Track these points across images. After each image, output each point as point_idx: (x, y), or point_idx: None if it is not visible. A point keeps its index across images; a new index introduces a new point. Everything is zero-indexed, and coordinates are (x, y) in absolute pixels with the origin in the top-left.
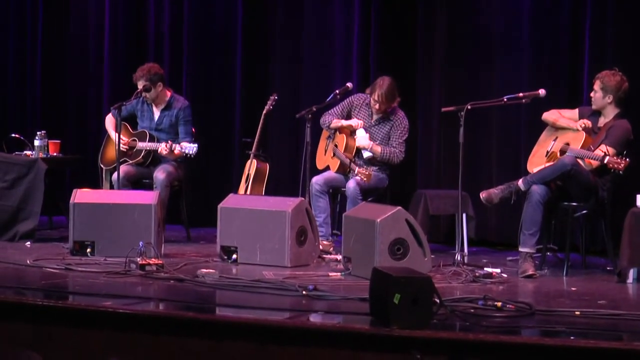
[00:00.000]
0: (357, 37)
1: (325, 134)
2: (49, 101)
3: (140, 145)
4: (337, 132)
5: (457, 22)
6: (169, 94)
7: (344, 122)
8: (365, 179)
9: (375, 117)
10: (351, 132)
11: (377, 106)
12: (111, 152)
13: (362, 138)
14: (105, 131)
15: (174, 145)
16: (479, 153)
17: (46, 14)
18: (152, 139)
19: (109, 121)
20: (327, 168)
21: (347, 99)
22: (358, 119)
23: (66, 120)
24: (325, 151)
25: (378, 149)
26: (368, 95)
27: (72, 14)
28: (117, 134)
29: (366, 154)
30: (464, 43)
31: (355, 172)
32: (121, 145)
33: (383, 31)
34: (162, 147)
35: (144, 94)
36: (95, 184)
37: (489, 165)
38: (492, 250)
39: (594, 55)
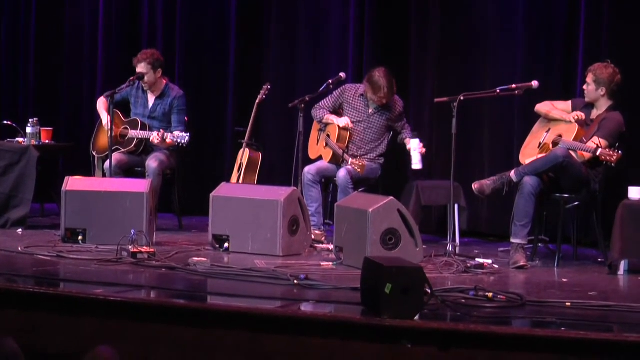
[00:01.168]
0: (351, 26)
1: (316, 125)
2: (42, 89)
3: (133, 133)
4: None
5: (450, 12)
6: (164, 82)
7: (335, 120)
8: (358, 169)
9: (372, 107)
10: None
11: (384, 101)
12: (103, 140)
13: (416, 155)
14: (98, 117)
15: (166, 134)
16: (471, 144)
17: (39, 2)
18: (144, 127)
19: (101, 103)
20: (320, 158)
21: (338, 90)
22: (352, 109)
23: (59, 108)
24: (318, 141)
25: (365, 163)
26: (362, 86)
27: (66, 2)
28: (109, 123)
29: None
30: (458, 34)
31: (349, 162)
32: (112, 136)
33: (377, 21)
34: (154, 136)
35: (139, 81)
36: (88, 171)
37: (482, 157)
38: (484, 241)
39: (588, 48)
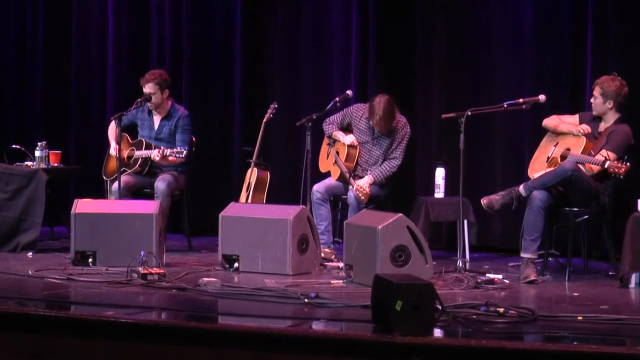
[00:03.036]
0: (355, 43)
1: (326, 139)
2: (51, 111)
3: (137, 153)
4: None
5: (456, 27)
6: (169, 103)
7: (341, 137)
8: (362, 197)
9: (377, 130)
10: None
11: (377, 128)
12: (112, 164)
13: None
14: (108, 141)
15: (166, 150)
16: (481, 159)
17: (47, 22)
18: (148, 147)
19: (111, 130)
20: (329, 173)
21: (347, 110)
22: (358, 130)
23: (69, 131)
24: (328, 155)
25: (372, 179)
26: (366, 107)
27: (74, 23)
28: (118, 143)
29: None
30: (464, 48)
31: (354, 187)
32: (120, 158)
33: (381, 37)
34: (155, 153)
35: (146, 103)
36: (99, 194)
37: (492, 172)
38: (495, 256)
39: (595, 61)
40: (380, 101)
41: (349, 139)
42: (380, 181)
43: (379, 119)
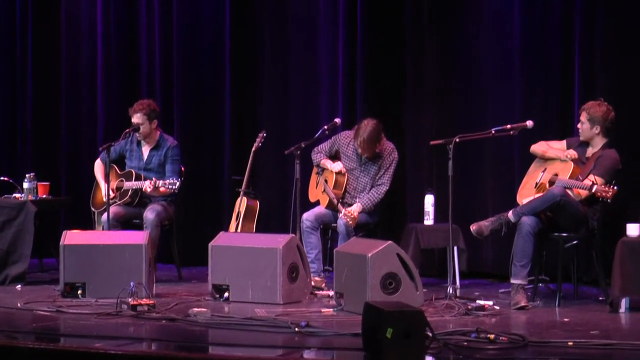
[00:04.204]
0: (342, 71)
1: (315, 168)
2: (40, 143)
3: (127, 184)
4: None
5: (446, 53)
6: (158, 133)
7: (329, 165)
8: (350, 222)
9: (360, 152)
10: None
11: (360, 151)
12: (100, 195)
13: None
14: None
15: (157, 182)
16: (470, 185)
17: (36, 54)
18: (138, 178)
19: (97, 167)
20: (318, 202)
21: (335, 137)
22: (346, 157)
23: (59, 162)
24: (317, 184)
25: (360, 207)
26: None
27: (63, 53)
28: (105, 175)
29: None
30: (454, 74)
31: (342, 213)
32: (109, 188)
33: (369, 64)
34: (147, 185)
35: (134, 134)
36: (90, 224)
37: (482, 198)
38: (485, 282)
39: (583, 87)
40: (367, 124)
41: (337, 166)
42: (369, 209)
43: (363, 140)
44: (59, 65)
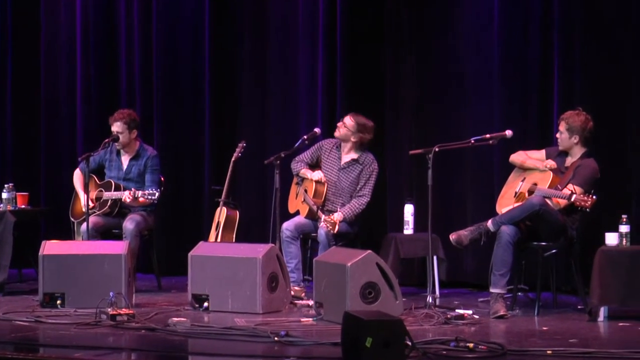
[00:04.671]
0: (322, 82)
1: (295, 179)
2: (20, 153)
3: (107, 195)
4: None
5: (425, 64)
6: (138, 143)
7: (309, 174)
8: (330, 227)
9: (344, 160)
10: (317, 180)
11: (341, 130)
12: (80, 205)
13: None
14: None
15: (137, 192)
16: (450, 195)
17: (15, 64)
18: (118, 188)
19: (77, 177)
20: (298, 212)
21: (317, 144)
22: (327, 163)
23: (39, 172)
24: (297, 195)
25: (342, 216)
26: (338, 140)
27: (42, 64)
28: (84, 185)
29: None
30: (434, 85)
31: (322, 220)
32: (88, 198)
33: (349, 75)
34: (126, 195)
35: (114, 144)
36: (69, 235)
37: (462, 207)
38: (465, 291)
39: (562, 97)
40: (353, 113)
41: (317, 175)
42: (350, 218)
43: (350, 117)
44: (38, 76)
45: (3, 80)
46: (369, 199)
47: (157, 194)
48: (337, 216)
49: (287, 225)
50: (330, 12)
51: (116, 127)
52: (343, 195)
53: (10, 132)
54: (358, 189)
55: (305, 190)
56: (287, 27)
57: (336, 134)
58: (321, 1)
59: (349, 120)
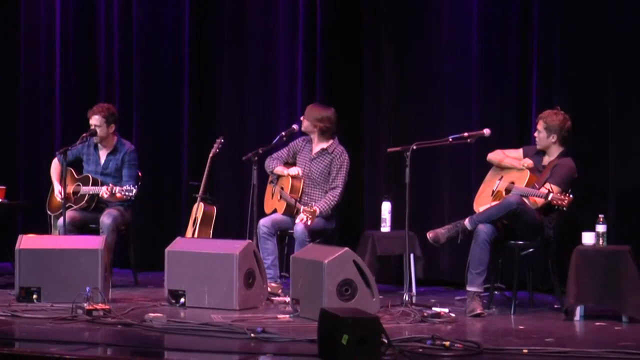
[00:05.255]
0: (301, 79)
1: (270, 177)
2: None
3: (84, 189)
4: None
5: (404, 63)
6: (115, 138)
7: (285, 171)
8: (310, 216)
9: (314, 151)
10: (293, 176)
11: (304, 123)
12: (57, 199)
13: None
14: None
15: (115, 188)
16: (428, 193)
17: None
18: (95, 183)
19: (54, 167)
20: (275, 211)
21: (292, 143)
22: (302, 157)
23: (17, 166)
24: (272, 195)
25: (317, 211)
26: (309, 137)
27: (22, 58)
28: (62, 179)
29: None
30: (412, 84)
31: (301, 210)
32: (65, 193)
33: (328, 72)
34: (103, 191)
35: (92, 138)
36: (47, 229)
37: (439, 205)
38: (442, 289)
39: (540, 96)
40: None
41: (293, 170)
42: (326, 212)
43: (308, 108)
44: (17, 70)
45: None
46: (342, 190)
47: (134, 191)
48: (314, 206)
49: (264, 222)
50: (310, 11)
51: (94, 120)
52: (316, 185)
53: None
54: (330, 180)
55: (282, 188)
56: (267, 24)
57: (302, 128)
58: (301, 1)
59: (306, 112)
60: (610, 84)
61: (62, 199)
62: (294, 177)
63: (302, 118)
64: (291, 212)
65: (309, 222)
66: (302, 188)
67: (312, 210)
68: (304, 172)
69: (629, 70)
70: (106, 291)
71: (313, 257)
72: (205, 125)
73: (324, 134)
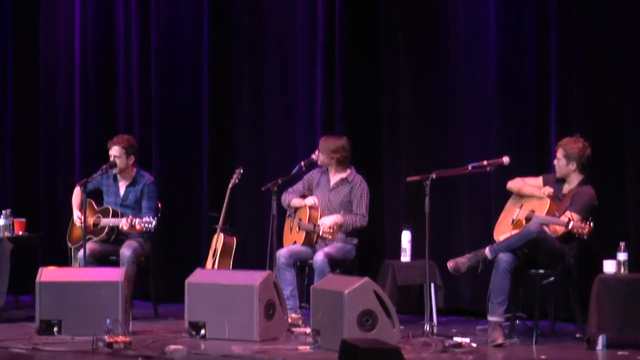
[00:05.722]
0: (320, 109)
1: (287, 212)
2: (19, 179)
3: (104, 221)
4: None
5: (422, 90)
6: (135, 169)
7: (301, 202)
8: (330, 237)
9: (333, 182)
10: (310, 206)
11: (319, 157)
12: (77, 230)
13: (327, 219)
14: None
15: (134, 220)
16: (447, 222)
17: (16, 91)
18: (115, 215)
19: (75, 196)
20: (294, 244)
21: (307, 176)
22: (317, 187)
23: (38, 198)
24: (291, 229)
25: (340, 219)
26: (325, 168)
27: (41, 91)
28: (83, 210)
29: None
30: (431, 111)
31: (321, 232)
32: (85, 226)
33: (347, 102)
34: (123, 223)
35: (111, 169)
36: (66, 261)
37: (459, 234)
38: (463, 319)
39: (560, 123)
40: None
41: (309, 200)
42: (348, 226)
43: (321, 143)
44: (37, 102)
45: (4, 106)
46: (366, 219)
47: (153, 223)
48: (336, 218)
49: (282, 252)
50: (329, 44)
51: (114, 151)
52: (336, 210)
53: (11, 158)
54: (353, 209)
55: (300, 219)
56: (286, 56)
57: (319, 162)
58: (320, 24)
59: (320, 146)
60: (632, 112)
61: (81, 223)
62: (311, 207)
63: (316, 152)
64: (310, 241)
65: (330, 239)
66: (320, 217)
67: (331, 230)
68: (323, 204)
69: None
70: (127, 323)
71: (333, 287)
72: (225, 156)
73: (341, 164)
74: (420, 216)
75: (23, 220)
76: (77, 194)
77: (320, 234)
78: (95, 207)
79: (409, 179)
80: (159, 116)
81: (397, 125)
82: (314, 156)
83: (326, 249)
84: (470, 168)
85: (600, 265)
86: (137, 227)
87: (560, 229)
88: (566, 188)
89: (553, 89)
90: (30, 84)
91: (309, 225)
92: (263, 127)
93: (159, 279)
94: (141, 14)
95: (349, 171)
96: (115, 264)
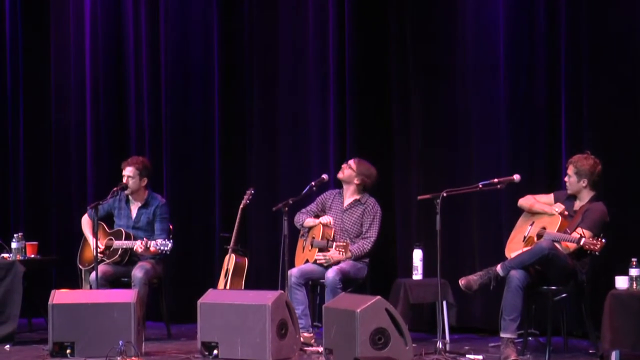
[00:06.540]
0: (332, 129)
1: (300, 231)
2: (31, 202)
3: (117, 244)
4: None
5: (432, 109)
6: (147, 192)
7: (314, 221)
8: (342, 250)
9: (346, 203)
10: (325, 224)
11: (345, 171)
12: (89, 253)
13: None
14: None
15: (149, 242)
16: (458, 239)
17: (27, 113)
18: (128, 237)
19: (85, 222)
20: (307, 262)
21: (320, 197)
22: (332, 211)
23: (50, 221)
24: (304, 249)
25: (348, 254)
26: (339, 189)
27: (53, 113)
28: (93, 234)
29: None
30: (441, 130)
31: (334, 247)
32: (97, 248)
33: (358, 122)
34: (138, 245)
35: (122, 192)
36: (79, 284)
37: (470, 252)
38: (475, 336)
39: (570, 140)
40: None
41: (325, 218)
42: (357, 254)
43: (354, 160)
44: (49, 125)
45: (16, 129)
46: (375, 238)
47: (169, 245)
48: (347, 254)
49: (293, 272)
50: (339, 54)
51: (128, 171)
52: (348, 236)
53: (23, 182)
54: (364, 231)
55: (313, 237)
56: (296, 75)
57: (340, 175)
58: (330, 44)
59: (353, 163)
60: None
61: (96, 251)
62: (325, 225)
63: (344, 166)
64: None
65: (342, 256)
66: (333, 236)
67: (344, 243)
68: (336, 224)
69: None
70: (139, 344)
71: (345, 306)
72: (236, 177)
73: (363, 189)
74: (431, 234)
75: (35, 243)
76: (86, 221)
77: (334, 248)
78: (107, 229)
79: (420, 197)
80: (170, 137)
81: (408, 144)
82: (324, 176)
83: (338, 266)
84: (481, 186)
85: (612, 281)
86: (152, 249)
87: (572, 246)
88: (577, 205)
89: (563, 105)
90: (41, 106)
91: (321, 241)
92: (274, 148)
93: (172, 299)
94: (151, 34)
95: (363, 194)
96: (127, 285)
